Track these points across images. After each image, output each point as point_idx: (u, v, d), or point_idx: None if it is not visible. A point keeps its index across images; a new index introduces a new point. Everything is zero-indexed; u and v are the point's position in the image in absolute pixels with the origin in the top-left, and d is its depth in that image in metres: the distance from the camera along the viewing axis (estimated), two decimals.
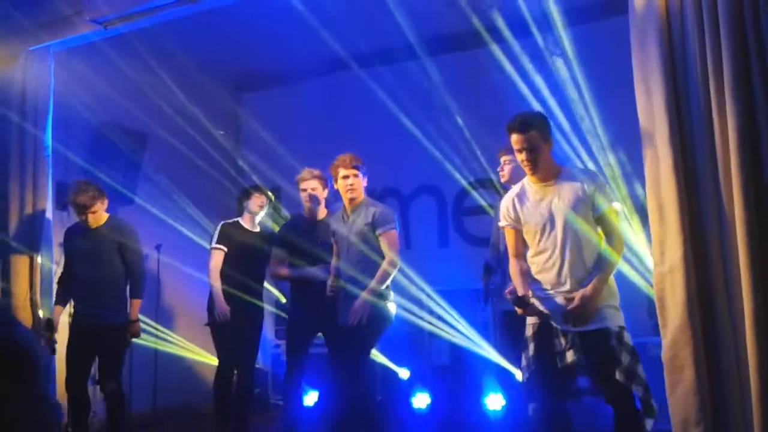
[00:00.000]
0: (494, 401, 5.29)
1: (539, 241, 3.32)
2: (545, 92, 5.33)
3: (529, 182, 3.42)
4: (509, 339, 4.13)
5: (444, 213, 6.68)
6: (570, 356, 3.20)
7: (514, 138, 3.29)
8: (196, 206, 6.39)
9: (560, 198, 3.27)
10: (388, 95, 6.22)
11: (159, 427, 6.03)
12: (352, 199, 4.26)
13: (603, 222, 3.27)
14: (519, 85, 5.48)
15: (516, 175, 3.89)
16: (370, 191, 6.57)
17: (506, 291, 3.38)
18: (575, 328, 3.18)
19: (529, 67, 5.45)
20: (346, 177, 4.24)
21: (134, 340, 4.78)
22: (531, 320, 3.36)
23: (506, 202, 3.46)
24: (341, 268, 4.25)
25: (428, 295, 5.78)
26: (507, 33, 5.48)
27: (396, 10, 5.49)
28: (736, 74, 3.11)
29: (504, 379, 5.24)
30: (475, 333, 5.54)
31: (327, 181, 4.62)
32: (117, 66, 5.78)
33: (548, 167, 3.33)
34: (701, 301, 3.21)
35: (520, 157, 3.31)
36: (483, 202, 6.15)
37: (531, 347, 3.32)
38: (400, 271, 5.77)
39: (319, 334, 4.62)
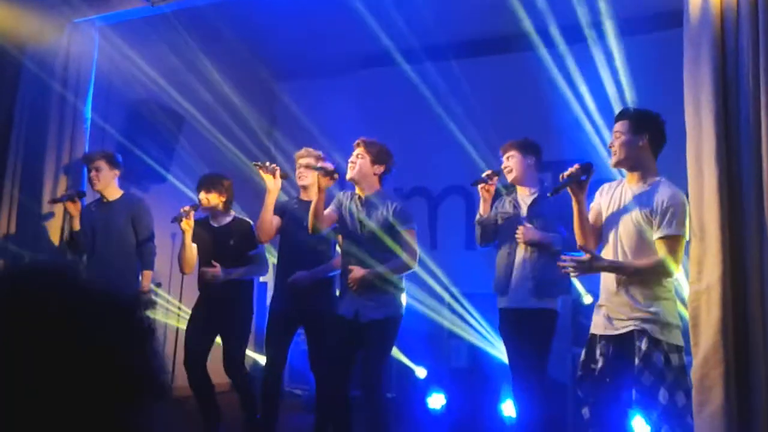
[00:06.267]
0: (511, 408, 5.25)
1: None
2: (588, 100, 5.29)
3: None
4: (505, 339, 4.12)
5: (472, 214, 6.63)
6: None
7: None
8: None
9: None
10: (421, 94, 6.21)
11: (176, 407, 6.06)
12: (351, 179, 3.96)
13: None
14: (558, 90, 5.44)
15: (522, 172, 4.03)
16: (398, 189, 6.61)
17: None
18: None
19: (572, 73, 5.41)
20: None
21: (156, 317, 4.80)
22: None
23: None
24: (352, 254, 3.97)
25: (452, 296, 5.76)
26: (550, 38, 5.44)
27: (438, 8, 5.48)
28: None
29: None
30: (497, 337, 5.51)
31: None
32: (159, 45, 5.81)
33: None
34: (736, 322, 3.18)
35: None
36: None
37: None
38: (426, 270, 5.78)
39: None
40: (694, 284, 3.27)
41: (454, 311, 5.72)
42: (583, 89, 5.34)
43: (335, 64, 7.11)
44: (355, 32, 5.84)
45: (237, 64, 6.55)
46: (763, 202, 3.17)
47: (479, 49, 6.30)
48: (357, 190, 4.04)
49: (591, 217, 3.32)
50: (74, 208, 4.84)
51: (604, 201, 3.31)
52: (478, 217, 4.15)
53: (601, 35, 5.10)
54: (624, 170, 3.29)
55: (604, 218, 3.27)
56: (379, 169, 3.99)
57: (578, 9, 4.90)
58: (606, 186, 3.37)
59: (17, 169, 5.23)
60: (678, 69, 3.48)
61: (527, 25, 5.44)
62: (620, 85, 4.97)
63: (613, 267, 3.12)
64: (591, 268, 3.11)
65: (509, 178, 4.07)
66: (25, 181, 5.20)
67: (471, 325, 5.55)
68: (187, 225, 4.52)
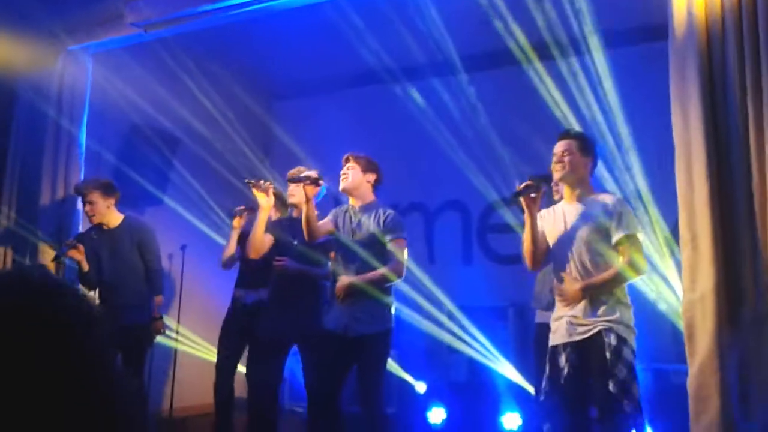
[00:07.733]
0: (511, 420, 5.26)
1: None
2: (577, 114, 5.33)
3: None
4: (541, 352, 4.13)
5: (469, 229, 6.67)
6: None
7: None
8: (223, 210, 6.43)
9: None
10: (416, 110, 6.26)
11: (175, 428, 6.04)
12: (344, 189, 4.05)
13: None
14: (549, 104, 5.48)
15: None
16: (395, 205, 6.61)
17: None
18: None
19: (560, 87, 5.45)
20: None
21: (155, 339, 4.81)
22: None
23: None
24: (343, 262, 4.03)
25: (449, 311, 5.77)
26: (540, 53, 5.49)
27: (430, 26, 5.52)
28: None
29: (521, 398, 5.24)
30: (495, 350, 5.52)
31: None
32: (154, 69, 5.83)
33: None
34: (731, 331, 3.19)
35: None
36: (509, 220, 6.13)
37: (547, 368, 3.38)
38: (423, 285, 5.80)
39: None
40: (688, 293, 3.29)
41: (453, 325, 5.73)
42: (575, 102, 5.38)
43: (329, 83, 7.15)
44: (348, 51, 5.88)
45: (231, 85, 6.58)
46: (754, 209, 3.19)
47: (472, 65, 6.33)
48: (351, 201, 4.12)
49: None
50: (78, 253, 4.68)
51: (546, 224, 3.41)
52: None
53: (591, 48, 5.15)
54: (565, 186, 3.40)
55: (550, 241, 3.37)
56: (371, 177, 4.09)
57: (564, 23, 4.94)
58: (543, 212, 3.46)
59: (13, 197, 5.24)
60: (663, 80, 3.53)
61: (517, 40, 5.49)
62: (609, 97, 5.02)
63: (589, 288, 3.19)
64: (580, 299, 3.21)
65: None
66: (22, 208, 5.21)
67: (471, 338, 5.56)
68: (238, 224, 4.90)
